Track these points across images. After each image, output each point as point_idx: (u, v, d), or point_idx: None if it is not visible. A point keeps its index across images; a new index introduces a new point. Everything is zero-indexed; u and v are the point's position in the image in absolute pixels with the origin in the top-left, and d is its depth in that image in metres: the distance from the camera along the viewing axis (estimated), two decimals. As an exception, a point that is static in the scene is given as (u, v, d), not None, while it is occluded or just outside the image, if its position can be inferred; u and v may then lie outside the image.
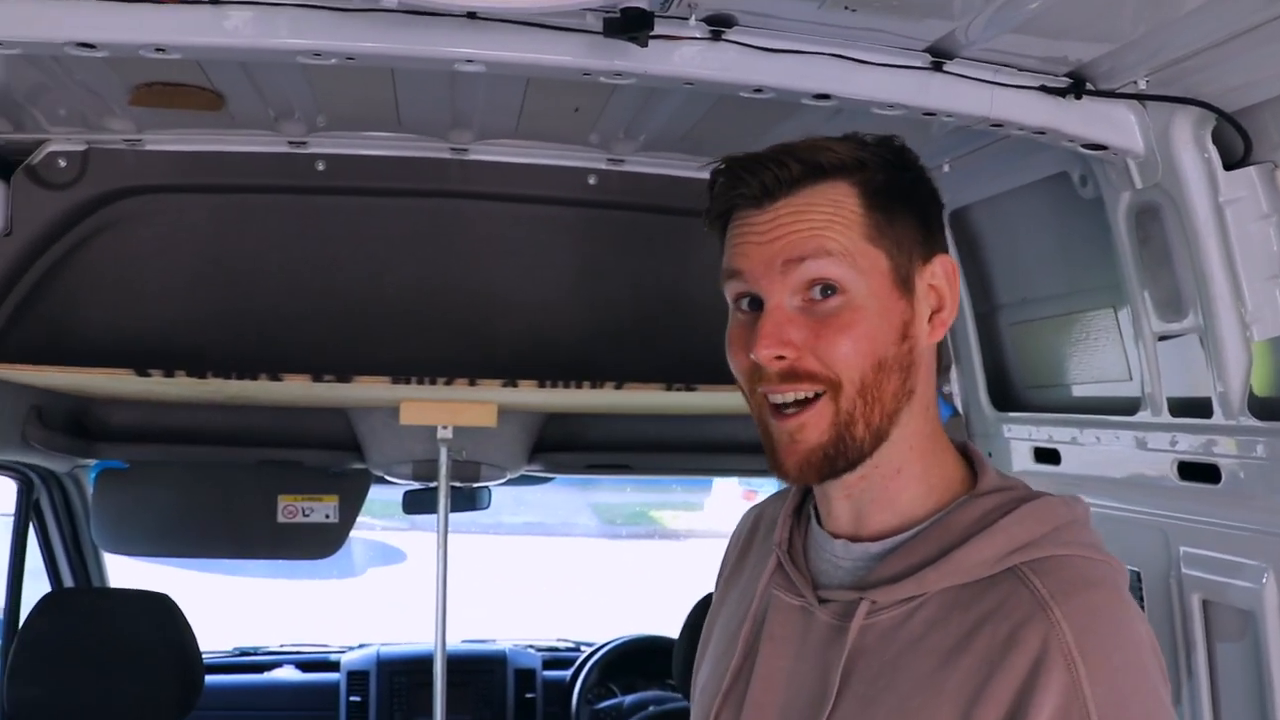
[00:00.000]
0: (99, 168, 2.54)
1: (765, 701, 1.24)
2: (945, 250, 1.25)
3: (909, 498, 1.23)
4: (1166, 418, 2.01)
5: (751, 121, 2.31)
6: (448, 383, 2.56)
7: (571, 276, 2.89)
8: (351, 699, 4.19)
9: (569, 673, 4.40)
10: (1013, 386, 2.62)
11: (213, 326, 2.75)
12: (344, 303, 2.80)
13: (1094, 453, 2.24)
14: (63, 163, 2.51)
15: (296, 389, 2.60)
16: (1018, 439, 2.52)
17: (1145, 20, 1.59)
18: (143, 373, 2.43)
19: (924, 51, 1.73)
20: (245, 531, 3.32)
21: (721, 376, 2.63)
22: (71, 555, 3.70)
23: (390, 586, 12.49)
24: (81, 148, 2.51)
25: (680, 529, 17.81)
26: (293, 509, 3.28)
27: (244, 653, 4.56)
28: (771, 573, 1.32)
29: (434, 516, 3.01)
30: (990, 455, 1.81)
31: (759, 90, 1.71)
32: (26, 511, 3.43)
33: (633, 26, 1.49)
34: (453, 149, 2.61)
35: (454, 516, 3.03)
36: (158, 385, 2.55)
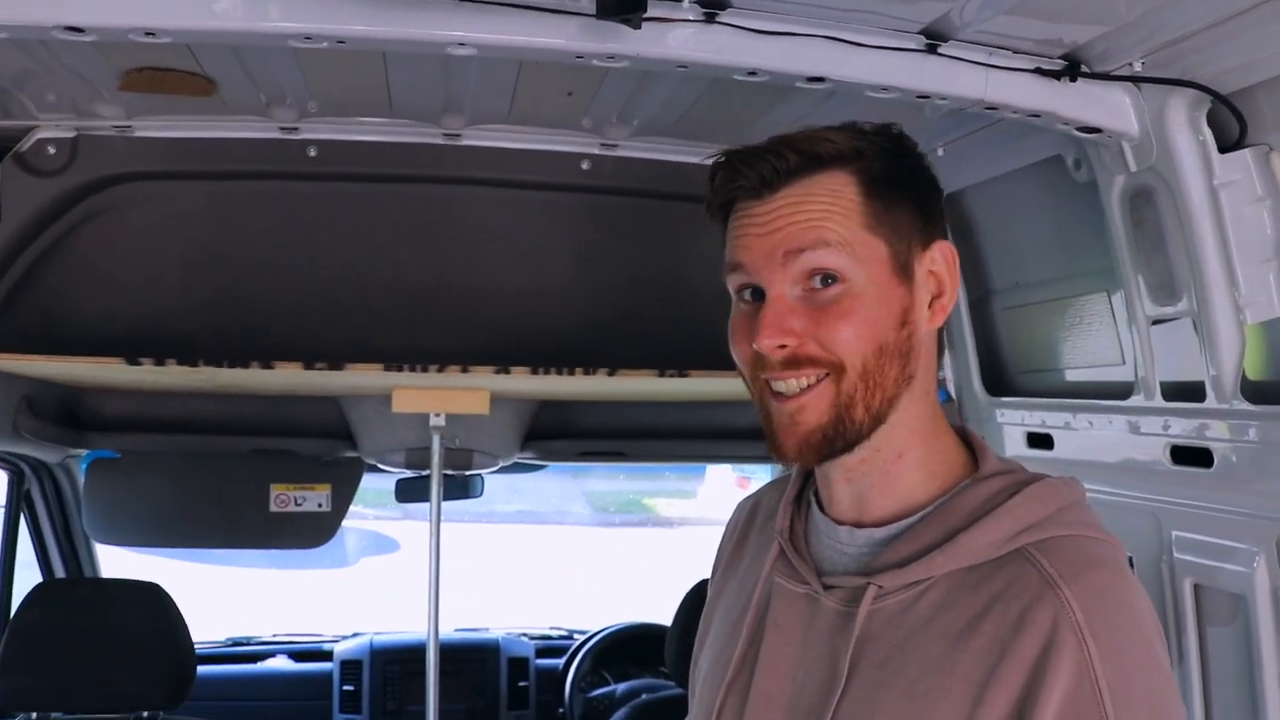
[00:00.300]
0: (89, 154, 2.52)
1: (772, 690, 1.24)
2: (945, 236, 1.25)
3: (909, 482, 1.24)
4: (1159, 402, 2.01)
5: (745, 105, 2.31)
6: (440, 370, 2.55)
7: (564, 262, 2.88)
8: (345, 688, 4.19)
9: (562, 661, 4.40)
10: (1006, 371, 2.62)
11: (204, 314, 2.73)
12: (336, 289, 2.79)
13: (1087, 437, 2.24)
14: (52, 149, 2.49)
15: (288, 377, 2.59)
16: (1010, 424, 2.52)
17: (1140, 2, 1.59)
18: (134, 361, 2.42)
19: (919, 34, 1.72)
20: (237, 521, 3.30)
21: (714, 362, 2.65)
22: (63, 546, 3.69)
23: (383, 576, 12.48)
24: (71, 134, 2.50)
25: (673, 517, 17.82)
26: (285, 498, 3.27)
27: (237, 643, 4.56)
28: (774, 560, 1.32)
29: (427, 505, 3.00)
30: (984, 440, 1.81)
31: (753, 73, 1.71)
32: (18, 502, 3.42)
33: (626, 8, 1.48)
34: (445, 134, 2.60)
35: (447, 505, 3.02)
36: (149, 374, 2.54)
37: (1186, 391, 1.94)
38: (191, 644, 2.84)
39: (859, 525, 1.26)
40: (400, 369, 2.54)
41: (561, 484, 17.91)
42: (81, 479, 3.47)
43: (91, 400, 2.97)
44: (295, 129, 2.55)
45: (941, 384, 2.71)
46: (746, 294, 1.23)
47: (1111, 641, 1.07)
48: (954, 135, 2.26)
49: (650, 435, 3.21)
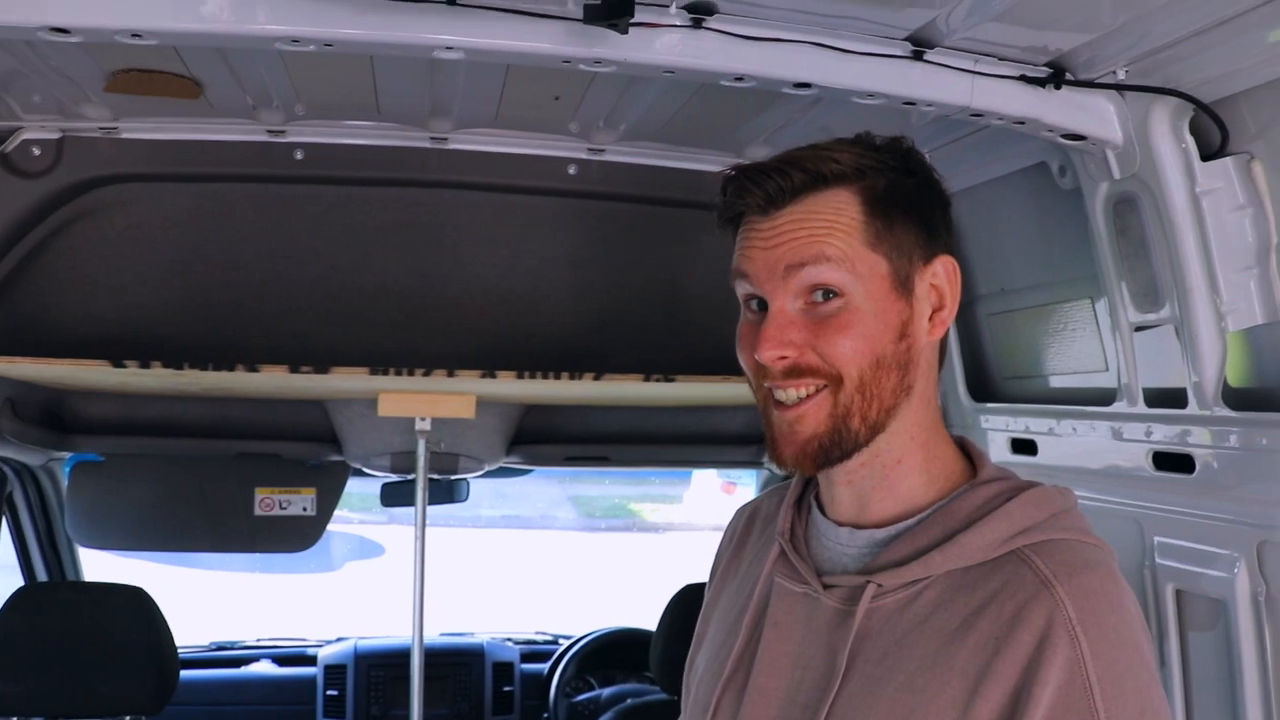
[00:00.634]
0: (74, 156, 2.51)
1: (769, 686, 1.27)
2: (949, 251, 1.29)
3: (909, 486, 1.28)
4: (1142, 408, 2.02)
5: (732, 110, 2.32)
6: (426, 374, 2.55)
7: (551, 266, 2.88)
8: (329, 693, 4.18)
9: (547, 666, 4.40)
10: (990, 377, 2.63)
11: (189, 317, 2.73)
12: (322, 293, 2.78)
13: (1070, 443, 2.25)
14: (37, 150, 2.48)
15: (274, 380, 2.58)
16: (995, 430, 2.53)
17: (1124, 10, 1.60)
18: (118, 364, 2.41)
19: (905, 40, 1.73)
20: (222, 524, 3.29)
21: (701, 367, 2.65)
22: (45, 549, 3.67)
23: (369, 581, 12.44)
24: (56, 135, 2.49)
25: (659, 522, 17.83)
26: (270, 502, 3.26)
27: (220, 647, 4.55)
28: (774, 561, 1.35)
29: (412, 510, 2.99)
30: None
31: (740, 79, 1.71)
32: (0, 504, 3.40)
33: (613, 13, 1.48)
34: (432, 138, 2.60)
35: (432, 510, 3.02)
36: (133, 377, 2.53)
37: (1169, 398, 1.95)
38: (175, 648, 2.83)
39: (859, 527, 1.29)
40: (386, 373, 2.53)
41: (548, 489, 17.89)
42: (65, 482, 3.45)
43: (75, 403, 2.96)
44: (282, 132, 2.54)
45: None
46: (753, 304, 1.28)
47: (1102, 640, 1.11)
48: (940, 141, 2.27)
49: (636, 440, 3.21)
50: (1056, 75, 1.79)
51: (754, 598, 1.34)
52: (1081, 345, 2.26)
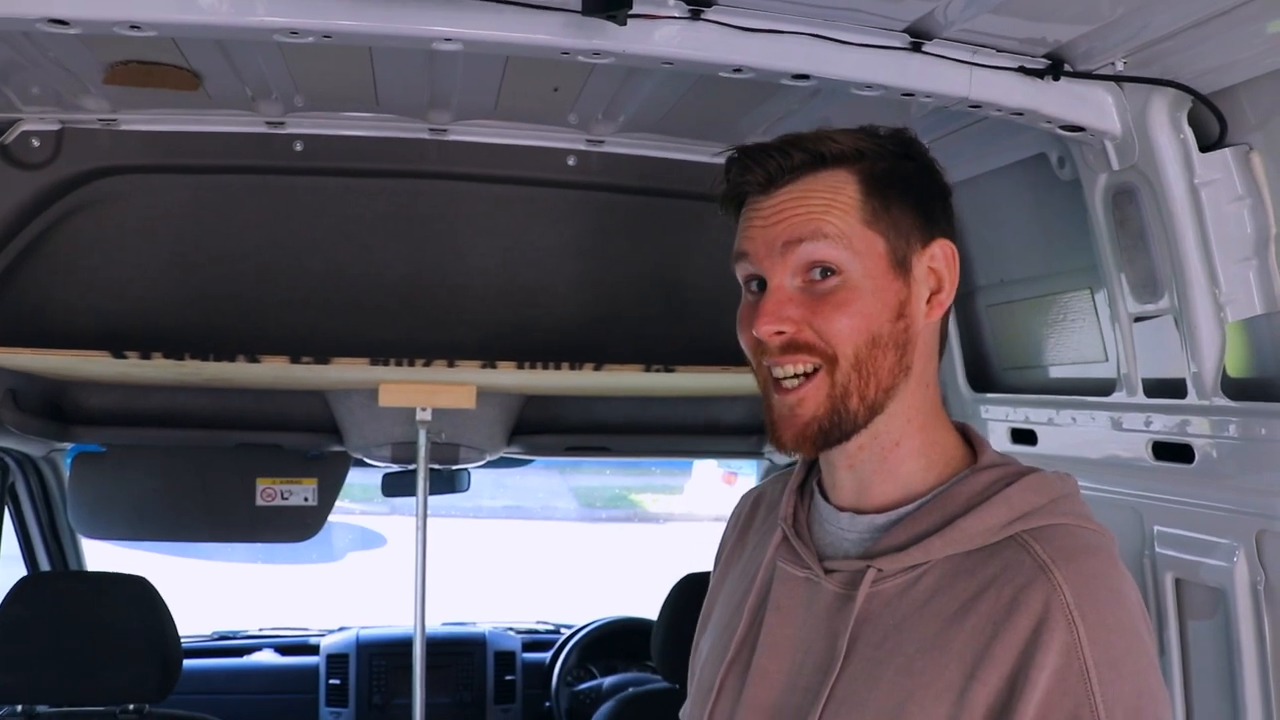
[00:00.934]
0: (73, 147, 2.51)
1: (771, 668, 1.29)
2: (948, 235, 1.30)
3: (909, 470, 1.29)
4: (1141, 398, 2.02)
5: (731, 102, 2.32)
6: (426, 364, 2.55)
7: (551, 257, 2.88)
8: (331, 682, 4.20)
9: (548, 655, 4.42)
10: (990, 367, 2.64)
11: (190, 308, 2.73)
12: (322, 284, 2.78)
13: (1070, 433, 2.26)
14: (36, 142, 2.49)
15: (274, 371, 2.59)
16: (995, 420, 2.53)
17: (1123, 1, 1.60)
18: (119, 354, 2.41)
19: (903, 32, 1.73)
20: (224, 515, 3.30)
21: (700, 357, 2.65)
22: (48, 540, 3.68)
23: (371, 571, 12.47)
24: (55, 127, 2.49)
25: (660, 512, 17.85)
26: (271, 492, 3.27)
27: (223, 636, 4.56)
28: (776, 546, 1.37)
29: (414, 500, 3.00)
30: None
31: (738, 70, 1.71)
32: (1, 496, 3.40)
33: (611, 5, 1.48)
34: (431, 129, 2.60)
35: (433, 501, 3.03)
36: (134, 367, 2.53)
37: (1168, 388, 1.96)
38: (178, 637, 2.83)
39: (860, 511, 1.31)
40: (386, 363, 2.54)
41: (549, 479, 17.92)
42: (67, 473, 3.46)
43: (77, 394, 2.96)
44: (281, 123, 2.54)
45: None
46: (753, 285, 1.29)
47: (1100, 625, 1.11)
48: (939, 133, 2.26)
49: (636, 431, 3.22)
50: (1055, 66, 1.79)
51: (757, 582, 1.36)
52: (1081, 336, 2.26)
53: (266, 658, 4.46)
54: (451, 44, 1.64)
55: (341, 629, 4.48)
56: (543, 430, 3.22)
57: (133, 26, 1.56)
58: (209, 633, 4.57)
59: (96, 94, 2.34)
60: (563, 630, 4.60)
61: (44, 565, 3.71)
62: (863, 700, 1.18)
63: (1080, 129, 1.87)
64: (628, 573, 11.23)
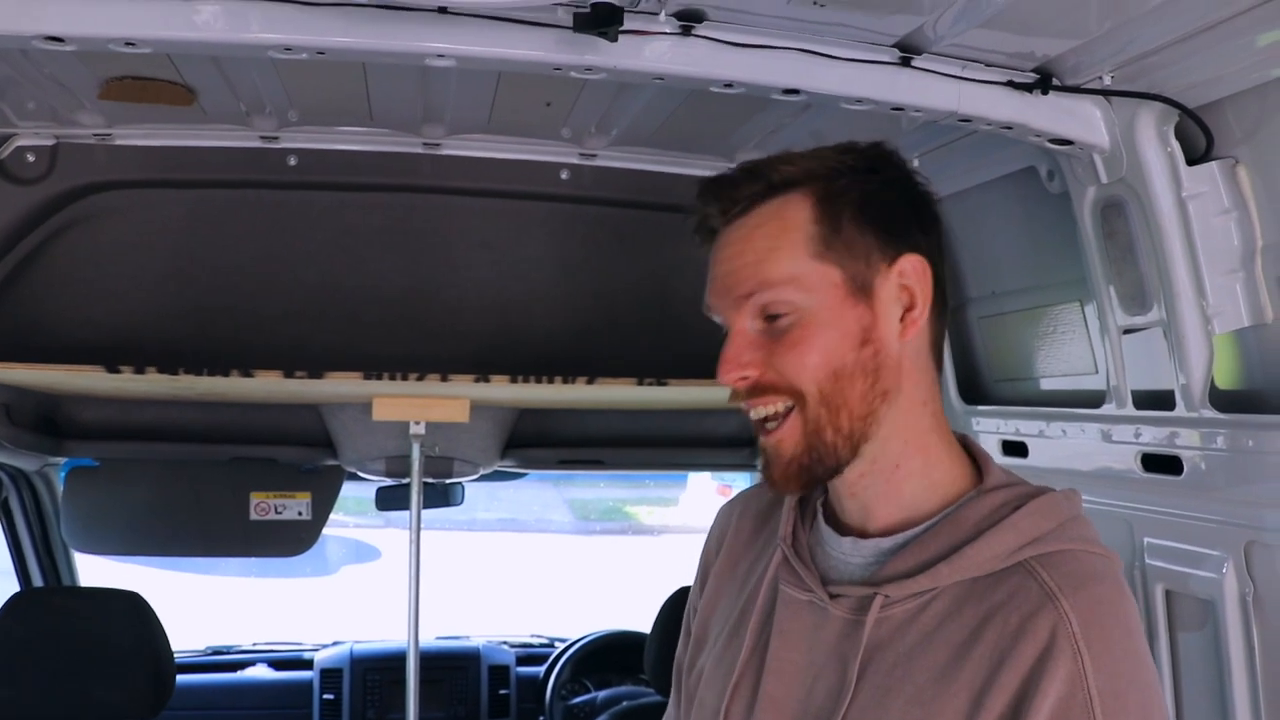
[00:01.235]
0: (68, 162, 2.52)
1: (780, 695, 1.27)
2: (920, 249, 1.26)
3: (911, 491, 1.27)
4: (1131, 410, 2.03)
5: (723, 116, 2.33)
6: (420, 378, 2.56)
7: (544, 271, 2.89)
8: (325, 697, 4.18)
9: (543, 668, 4.41)
10: (981, 380, 2.65)
11: (184, 323, 2.73)
12: (316, 298, 2.79)
13: (1060, 445, 2.26)
14: (31, 157, 2.49)
15: (268, 385, 2.59)
16: (986, 432, 2.54)
17: (1110, 16, 1.61)
18: (113, 369, 2.42)
19: (892, 46, 1.74)
20: (217, 529, 3.29)
21: (694, 371, 2.67)
22: (41, 555, 3.67)
23: (366, 584, 12.44)
24: (50, 142, 2.49)
25: (655, 524, 17.82)
26: (265, 506, 3.27)
27: (217, 651, 4.55)
28: (776, 566, 1.35)
29: (408, 514, 3.00)
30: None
31: (729, 85, 1.72)
32: (-5, 510, 3.41)
33: (602, 21, 1.50)
34: (425, 144, 2.61)
35: (428, 514, 3.03)
36: (128, 382, 2.53)
37: (1157, 400, 1.97)
38: (171, 653, 2.83)
39: (864, 535, 1.29)
40: (380, 377, 2.54)
41: (543, 492, 17.90)
42: (60, 487, 3.45)
43: (70, 408, 2.96)
44: (275, 138, 2.55)
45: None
46: (725, 327, 1.29)
47: (1106, 653, 1.11)
48: (930, 146, 2.28)
49: (630, 444, 3.22)
50: (1043, 81, 1.80)
51: (758, 603, 1.34)
52: (1071, 348, 2.27)
53: (260, 673, 4.44)
54: (444, 60, 1.65)
55: (335, 643, 4.47)
56: (536, 443, 3.22)
57: (128, 43, 1.57)
58: (203, 648, 4.56)
59: (91, 109, 2.35)
60: (557, 644, 4.59)
61: (37, 580, 3.70)
62: None
63: (1069, 142, 1.89)
64: (623, 585, 11.22)
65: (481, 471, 3.22)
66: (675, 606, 3.30)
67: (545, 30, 1.60)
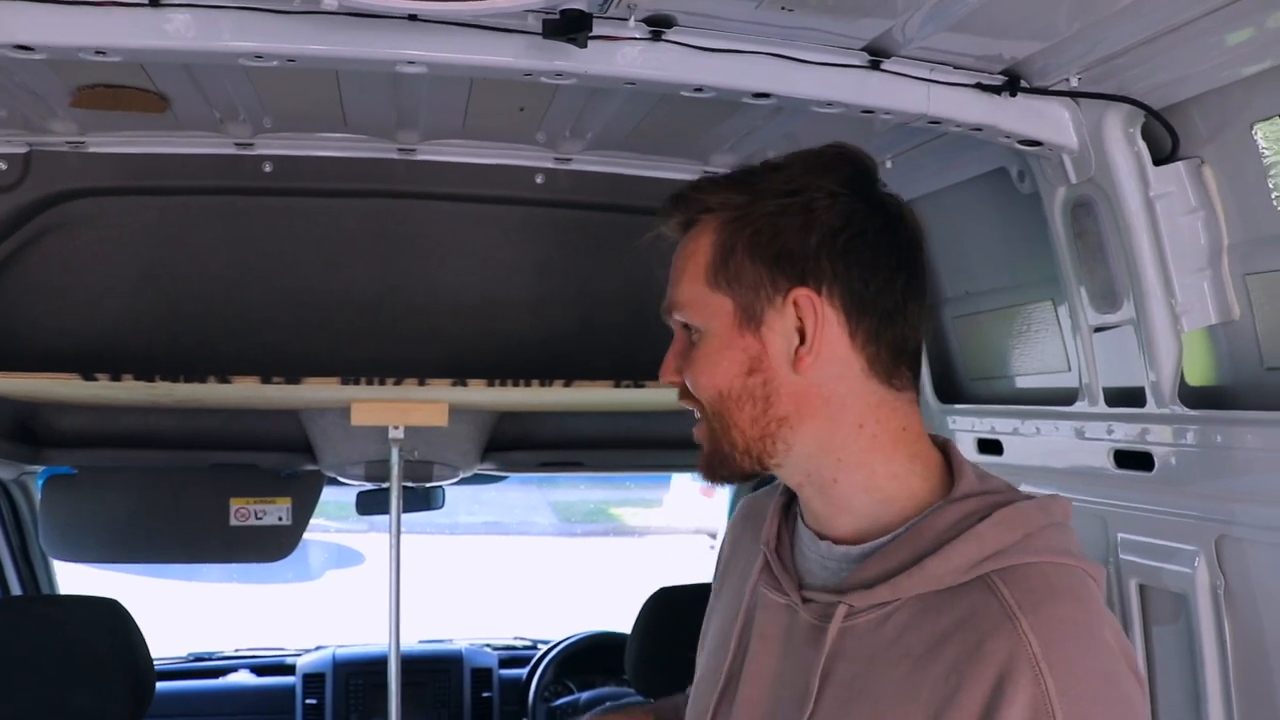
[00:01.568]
0: (41, 170, 2.51)
1: (754, 699, 1.29)
2: (820, 280, 1.23)
3: (861, 503, 1.26)
4: (1103, 407, 2.05)
5: (696, 119, 2.34)
6: (397, 383, 2.56)
7: (521, 275, 2.90)
8: (308, 702, 4.17)
9: (526, 671, 4.41)
10: (957, 379, 2.67)
11: (161, 329, 2.73)
12: (294, 304, 2.79)
13: (1034, 443, 2.28)
14: (4, 165, 2.48)
15: (246, 391, 2.59)
16: (961, 430, 2.56)
17: (1077, 18, 1.63)
18: (89, 377, 2.41)
19: (862, 50, 1.75)
20: (197, 535, 3.28)
21: (670, 373, 2.66)
22: (19, 563, 3.65)
23: (349, 589, 12.40)
24: (23, 150, 2.49)
25: (638, 525, 17.82)
26: (245, 512, 3.26)
27: (199, 658, 4.53)
28: (759, 570, 1.36)
29: (389, 518, 3.00)
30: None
31: (699, 90, 1.73)
32: (-28, 519, 3.39)
33: (572, 28, 1.50)
34: (400, 149, 2.61)
35: (411, 517, 3.04)
36: (105, 389, 2.53)
37: (1128, 397, 1.99)
38: (150, 660, 2.82)
39: (838, 540, 1.29)
40: (358, 382, 2.55)
41: (526, 494, 17.88)
42: (38, 496, 3.44)
43: (48, 416, 2.95)
44: (250, 144, 2.55)
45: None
46: None
47: (1070, 675, 1.07)
48: (902, 147, 2.30)
49: (609, 445, 3.23)
50: (1011, 83, 1.81)
51: (743, 607, 1.36)
52: (1044, 346, 2.29)
53: (242, 679, 4.42)
54: (415, 66, 1.66)
55: (318, 648, 4.45)
56: (516, 446, 3.23)
57: (98, 52, 1.57)
58: (185, 654, 4.54)
59: (64, 117, 2.34)
60: (540, 646, 4.59)
61: (15, 589, 3.68)
62: None
63: (1038, 143, 1.90)
64: (607, 587, 11.22)
65: (461, 475, 3.22)
66: (655, 608, 3.31)
67: (515, 36, 1.61)
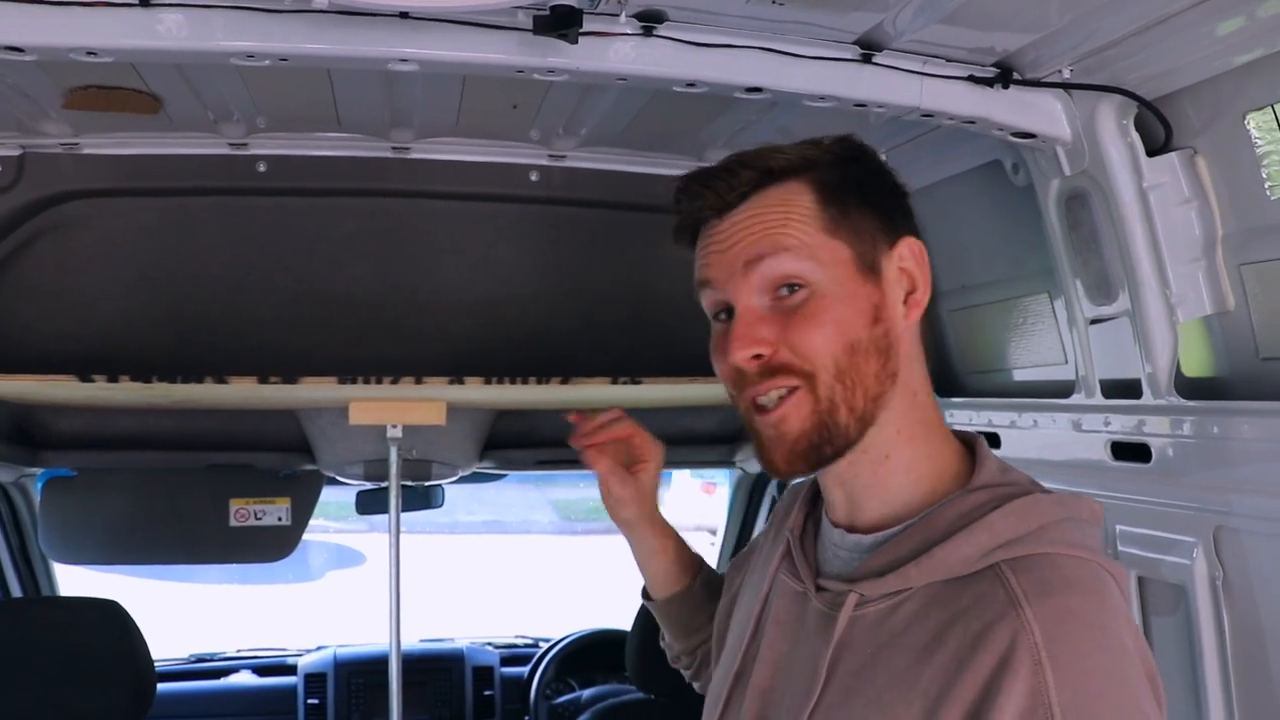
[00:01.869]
0: (35, 172, 2.51)
1: (765, 685, 1.29)
2: (913, 233, 1.26)
3: (898, 484, 1.24)
4: (1099, 399, 2.05)
5: (689, 115, 2.34)
6: (394, 381, 2.56)
7: (517, 272, 2.89)
8: (309, 702, 4.18)
9: (527, 669, 4.41)
10: (954, 372, 2.66)
11: (157, 331, 2.73)
12: (289, 303, 2.79)
13: (1032, 436, 2.28)
14: None
15: (244, 391, 2.59)
16: (959, 423, 2.56)
17: (1069, 10, 1.63)
18: (86, 378, 2.41)
19: (854, 44, 1.75)
20: (197, 536, 3.28)
21: (668, 369, 2.67)
22: (19, 566, 3.65)
23: (350, 589, 12.41)
24: (16, 152, 2.48)
25: (640, 524, 17.77)
26: (244, 512, 3.26)
27: (200, 659, 4.53)
28: (781, 557, 1.36)
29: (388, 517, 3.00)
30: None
31: (692, 85, 1.73)
32: (-29, 522, 3.39)
33: (562, 24, 1.50)
34: (394, 148, 2.61)
35: (411, 516, 3.04)
36: (103, 391, 2.52)
37: (1125, 389, 1.99)
38: (151, 661, 2.82)
39: (852, 529, 1.27)
40: (355, 381, 2.54)
41: (526, 493, 17.88)
42: (37, 498, 3.44)
43: (46, 418, 2.95)
44: (244, 144, 2.54)
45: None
46: (721, 314, 1.26)
47: (1073, 667, 1.03)
48: (896, 141, 2.30)
49: None
50: (1004, 75, 1.82)
51: (762, 593, 1.36)
52: (1040, 339, 2.29)
53: (244, 679, 4.43)
54: (407, 64, 1.65)
55: (319, 648, 4.46)
56: (515, 444, 3.23)
57: (89, 53, 1.57)
58: (186, 655, 4.55)
59: (57, 118, 2.34)
60: (541, 644, 4.60)
61: (15, 591, 3.68)
62: None
63: (1031, 135, 1.91)
64: (608, 584, 11.23)
65: (460, 473, 3.22)
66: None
67: (506, 33, 1.61)
